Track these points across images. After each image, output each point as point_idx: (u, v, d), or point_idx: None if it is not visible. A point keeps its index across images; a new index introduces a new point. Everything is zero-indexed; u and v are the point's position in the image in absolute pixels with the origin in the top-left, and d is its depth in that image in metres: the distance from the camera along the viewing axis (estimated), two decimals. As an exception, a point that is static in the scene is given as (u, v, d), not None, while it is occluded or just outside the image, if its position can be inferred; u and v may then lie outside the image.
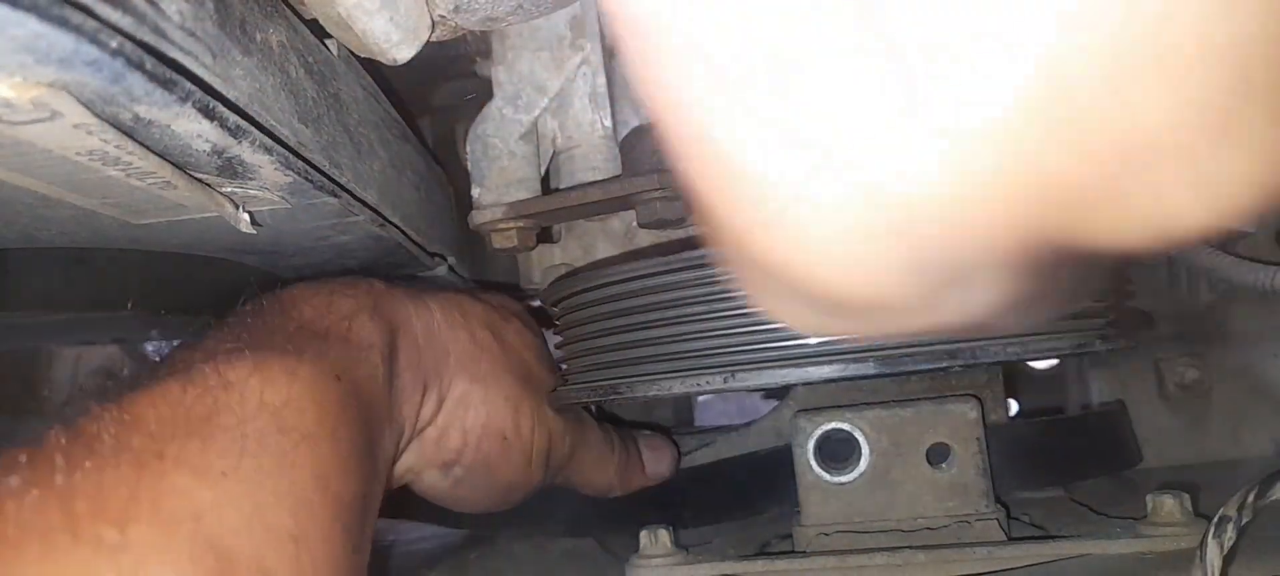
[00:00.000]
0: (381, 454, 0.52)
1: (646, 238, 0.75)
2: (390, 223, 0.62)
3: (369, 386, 0.50)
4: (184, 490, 0.38)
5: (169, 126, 0.37)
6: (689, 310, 0.56)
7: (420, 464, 0.61)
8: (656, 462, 0.73)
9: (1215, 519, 0.48)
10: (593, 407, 0.75)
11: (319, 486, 0.43)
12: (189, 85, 0.36)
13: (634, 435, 0.74)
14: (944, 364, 0.52)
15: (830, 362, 0.52)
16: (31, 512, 0.35)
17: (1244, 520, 0.49)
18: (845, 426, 0.60)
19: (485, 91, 0.72)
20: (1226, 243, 0.76)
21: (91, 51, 0.31)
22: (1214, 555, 0.47)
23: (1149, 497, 0.57)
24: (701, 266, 0.55)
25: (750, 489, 0.70)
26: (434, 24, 0.61)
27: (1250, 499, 0.50)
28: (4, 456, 0.37)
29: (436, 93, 0.86)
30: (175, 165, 0.41)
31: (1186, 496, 0.56)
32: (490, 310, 0.65)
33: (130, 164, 0.38)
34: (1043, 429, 0.72)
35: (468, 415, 0.60)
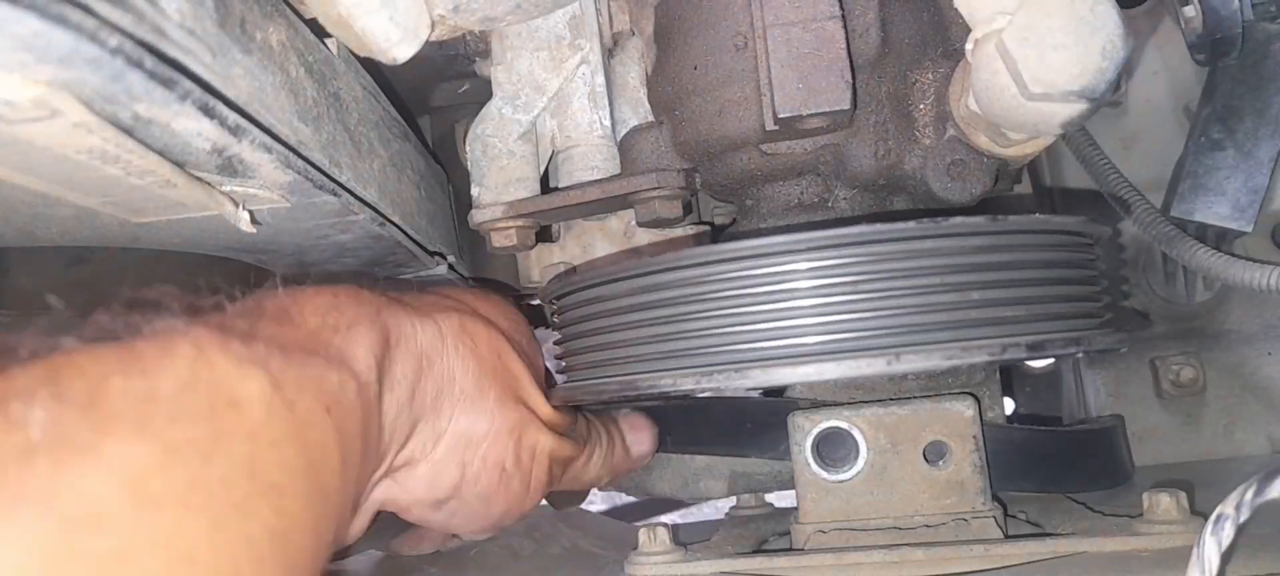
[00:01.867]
0: (348, 496, 0.47)
1: (645, 236, 0.75)
2: (390, 221, 0.62)
3: (353, 419, 0.46)
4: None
5: (168, 125, 0.37)
6: (717, 304, 0.53)
7: (408, 499, 0.57)
8: (639, 443, 0.71)
9: (1213, 516, 0.48)
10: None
11: (275, 544, 0.38)
12: (188, 83, 0.36)
13: (614, 417, 0.71)
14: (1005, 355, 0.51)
15: (859, 357, 0.50)
16: None
17: (1242, 518, 0.49)
18: (843, 425, 0.60)
19: (485, 91, 0.72)
20: (1222, 241, 0.76)
21: (91, 50, 0.31)
22: (1212, 553, 0.47)
23: (1145, 495, 0.57)
24: (734, 260, 0.53)
25: (739, 428, 0.68)
26: (433, 23, 0.61)
27: (1248, 496, 0.49)
28: None
29: (436, 92, 0.86)
30: (175, 163, 0.41)
31: (1183, 494, 0.56)
32: (495, 333, 0.61)
33: (130, 162, 0.38)
34: (1037, 441, 0.70)
35: (467, 452, 0.57)
